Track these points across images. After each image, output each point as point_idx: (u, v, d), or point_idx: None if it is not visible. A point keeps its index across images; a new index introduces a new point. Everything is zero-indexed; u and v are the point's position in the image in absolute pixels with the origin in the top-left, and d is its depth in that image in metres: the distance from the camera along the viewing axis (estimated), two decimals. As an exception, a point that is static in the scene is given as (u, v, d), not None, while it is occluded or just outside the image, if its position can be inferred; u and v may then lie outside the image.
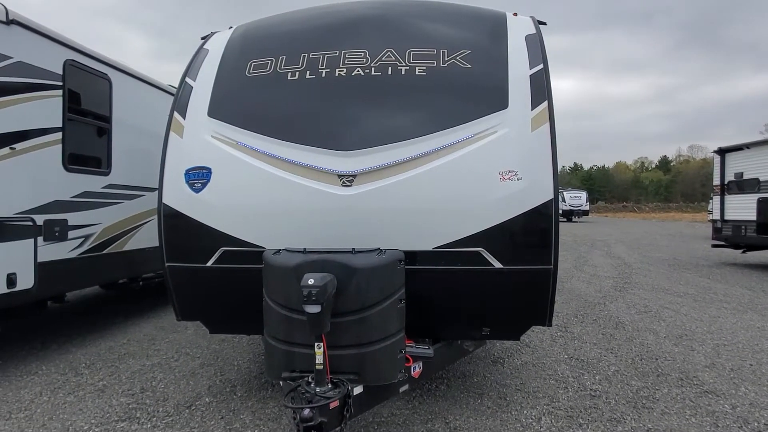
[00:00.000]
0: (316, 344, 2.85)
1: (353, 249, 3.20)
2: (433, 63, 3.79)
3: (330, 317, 2.90)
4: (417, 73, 3.76)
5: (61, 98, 5.50)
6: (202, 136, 3.84)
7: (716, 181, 14.61)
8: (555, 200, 3.44)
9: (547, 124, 3.55)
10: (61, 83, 5.50)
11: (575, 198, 47.08)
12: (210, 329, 4.16)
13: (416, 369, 3.51)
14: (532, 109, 3.59)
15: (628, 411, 4.13)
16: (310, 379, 2.93)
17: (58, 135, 5.46)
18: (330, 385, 2.91)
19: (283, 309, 3.11)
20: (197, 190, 3.73)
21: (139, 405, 4.27)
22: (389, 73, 3.77)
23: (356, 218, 3.49)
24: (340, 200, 3.49)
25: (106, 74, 6.30)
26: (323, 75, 3.84)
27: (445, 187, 3.46)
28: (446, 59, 3.80)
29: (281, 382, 3.25)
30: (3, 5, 4.78)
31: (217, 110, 3.90)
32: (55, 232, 5.34)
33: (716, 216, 14.47)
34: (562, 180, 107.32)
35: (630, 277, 11.65)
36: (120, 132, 6.51)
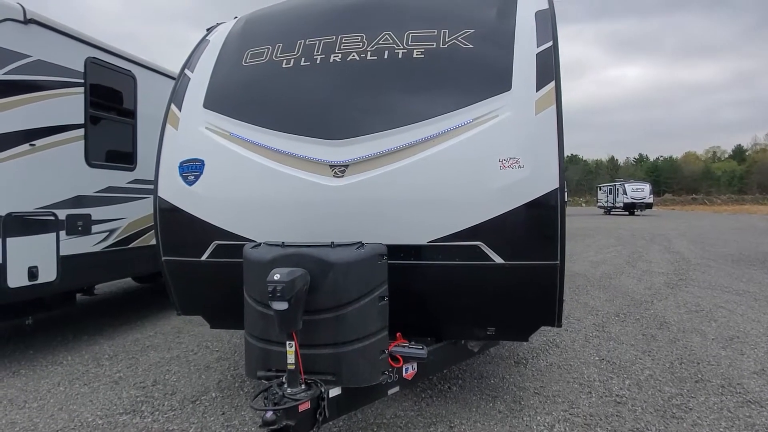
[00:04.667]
0: (287, 342, 2.69)
1: (332, 242, 3.02)
2: (433, 44, 3.56)
3: (302, 314, 2.73)
4: (415, 55, 3.54)
5: (82, 95, 5.62)
6: (196, 128, 3.78)
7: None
8: (561, 189, 3.13)
9: (554, 107, 3.24)
10: (82, 80, 5.61)
11: (637, 190, 45.05)
12: (210, 324, 4.11)
13: (409, 370, 3.30)
14: (537, 91, 3.28)
15: (654, 420, 3.76)
16: (284, 380, 2.78)
17: (80, 131, 5.58)
18: (303, 386, 2.75)
19: (259, 305, 2.97)
20: (190, 183, 3.67)
21: (147, 398, 4.29)
22: (385, 57, 3.57)
23: (348, 210, 3.32)
24: (331, 192, 3.32)
25: (130, 71, 6.39)
26: (318, 61, 3.69)
27: (442, 176, 3.22)
28: (447, 40, 3.56)
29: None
30: (21, 5, 4.90)
31: (212, 101, 3.83)
32: (78, 226, 5.47)
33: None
34: (626, 171, 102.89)
35: (686, 273, 10.87)
36: (146, 127, 6.58)
